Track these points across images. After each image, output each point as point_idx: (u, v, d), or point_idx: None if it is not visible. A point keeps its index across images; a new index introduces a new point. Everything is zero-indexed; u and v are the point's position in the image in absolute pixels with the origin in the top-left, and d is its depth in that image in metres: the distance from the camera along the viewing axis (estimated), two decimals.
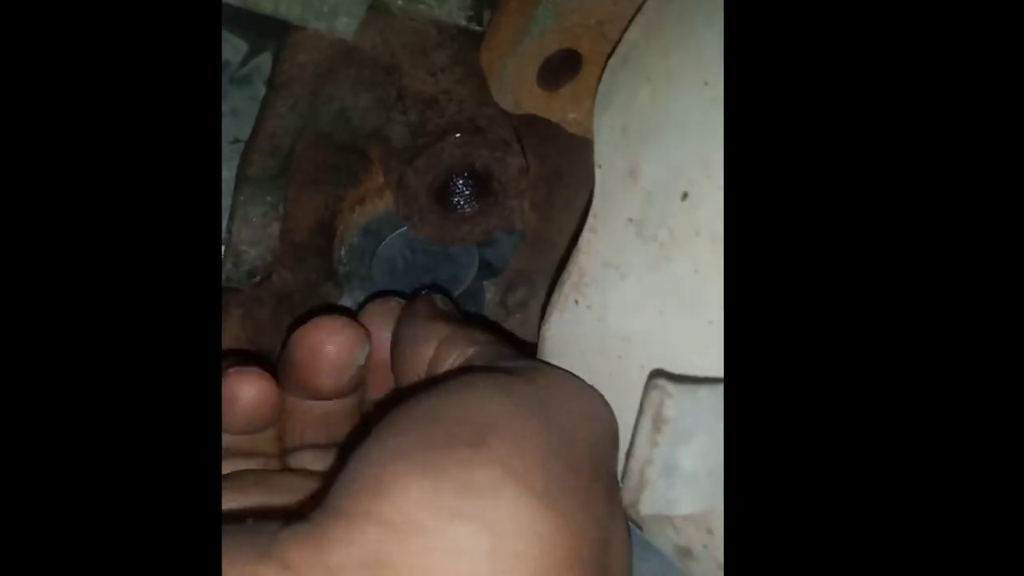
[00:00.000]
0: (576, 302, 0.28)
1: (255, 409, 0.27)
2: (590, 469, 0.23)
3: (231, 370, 0.28)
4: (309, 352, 0.28)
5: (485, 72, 0.31)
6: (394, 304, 0.30)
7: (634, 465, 0.24)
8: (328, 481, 0.22)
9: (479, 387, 0.23)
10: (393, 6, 0.30)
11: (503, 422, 0.22)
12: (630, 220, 0.27)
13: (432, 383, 0.24)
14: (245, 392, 0.27)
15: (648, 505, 0.23)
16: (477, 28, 0.31)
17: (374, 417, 0.24)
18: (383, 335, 0.30)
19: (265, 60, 0.31)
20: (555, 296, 0.29)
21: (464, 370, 0.27)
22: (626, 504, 0.24)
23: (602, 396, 0.26)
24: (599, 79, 0.29)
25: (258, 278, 0.33)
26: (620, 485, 0.24)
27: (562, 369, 0.27)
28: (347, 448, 0.23)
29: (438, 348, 0.28)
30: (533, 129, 0.34)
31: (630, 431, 0.27)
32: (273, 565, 0.19)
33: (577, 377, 0.26)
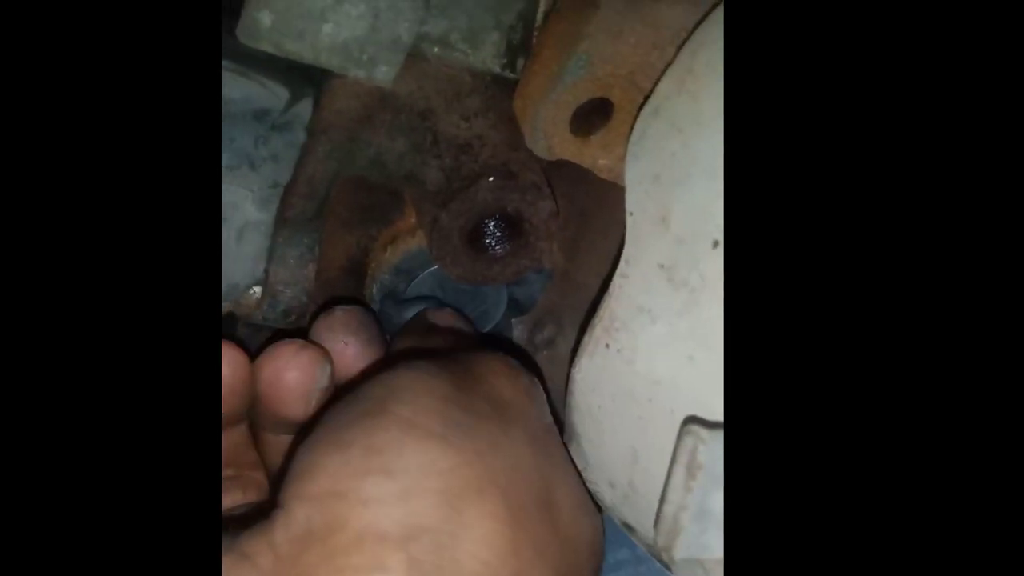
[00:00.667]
0: (607, 346, 0.29)
1: (227, 385, 0.27)
2: (498, 415, 0.26)
3: None
4: (270, 384, 0.27)
5: (519, 119, 0.31)
6: (340, 313, 0.30)
7: (668, 510, 0.24)
8: (275, 484, 0.25)
9: (386, 368, 0.26)
10: (429, 53, 0.31)
11: (404, 386, 0.25)
12: (661, 266, 0.27)
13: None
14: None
15: (682, 550, 0.23)
16: (511, 75, 0.32)
17: None
18: (339, 346, 0.29)
19: (306, 107, 0.32)
20: (585, 339, 0.30)
21: (386, 359, 0.29)
22: (659, 548, 0.24)
23: (517, 364, 0.29)
24: (630, 127, 0.30)
25: (293, 318, 0.34)
26: (559, 438, 0.29)
27: (489, 348, 0.30)
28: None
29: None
30: (562, 172, 0.34)
31: (659, 472, 0.28)
32: (232, 556, 0.22)
33: (498, 352, 0.29)
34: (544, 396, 0.30)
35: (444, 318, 0.34)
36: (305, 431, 0.26)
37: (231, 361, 0.26)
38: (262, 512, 0.24)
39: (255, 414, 0.29)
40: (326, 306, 0.35)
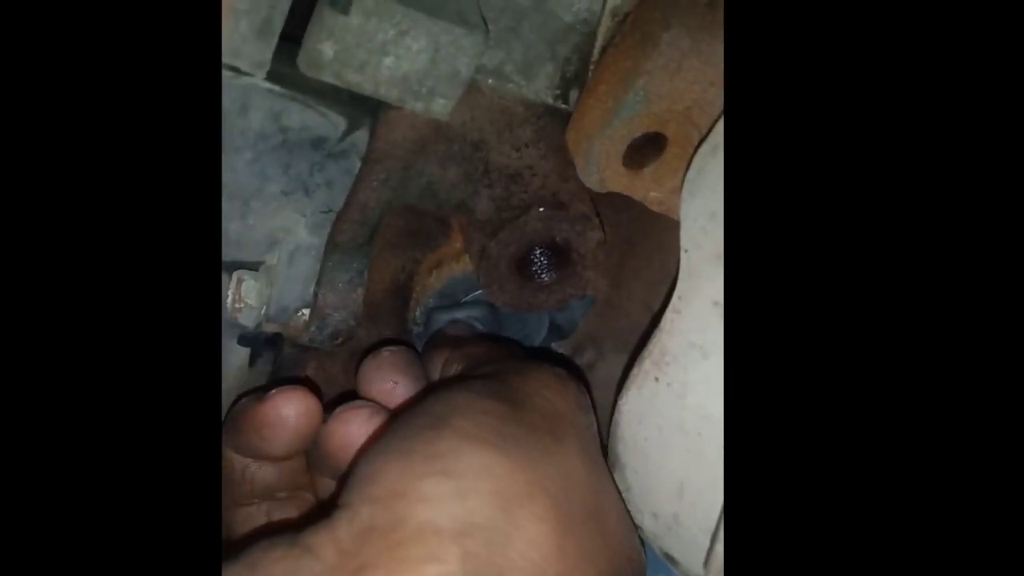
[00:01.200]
0: (656, 379, 0.29)
1: (300, 426, 0.28)
2: (550, 427, 0.27)
3: (275, 391, 0.29)
4: (339, 446, 0.29)
5: (572, 151, 0.31)
6: (387, 355, 0.31)
7: (719, 549, 0.24)
8: (338, 487, 0.27)
9: (445, 389, 0.28)
10: (483, 84, 0.31)
11: (463, 404, 0.27)
12: (715, 303, 0.27)
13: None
14: (290, 410, 0.28)
15: None
16: (563, 107, 0.32)
17: None
18: (387, 386, 0.31)
19: (362, 136, 0.32)
20: (634, 372, 0.30)
21: (442, 382, 0.31)
22: None
23: (565, 374, 0.30)
24: (683, 161, 0.30)
25: (340, 340, 0.34)
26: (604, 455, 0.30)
27: (537, 361, 0.31)
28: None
29: (443, 368, 0.32)
30: (607, 198, 0.34)
31: (705, 506, 0.28)
32: (296, 549, 0.24)
33: (546, 365, 0.30)
34: (591, 405, 0.31)
35: (462, 329, 0.35)
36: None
37: (307, 409, 0.28)
38: (321, 515, 0.25)
39: (311, 456, 0.31)
40: (374, 325, 0.36)
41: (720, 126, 0.28)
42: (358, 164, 0.31)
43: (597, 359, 0.39)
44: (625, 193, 0.32)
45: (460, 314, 0.36)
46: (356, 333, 0.34)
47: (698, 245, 0.28)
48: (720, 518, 0.25)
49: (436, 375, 0.32)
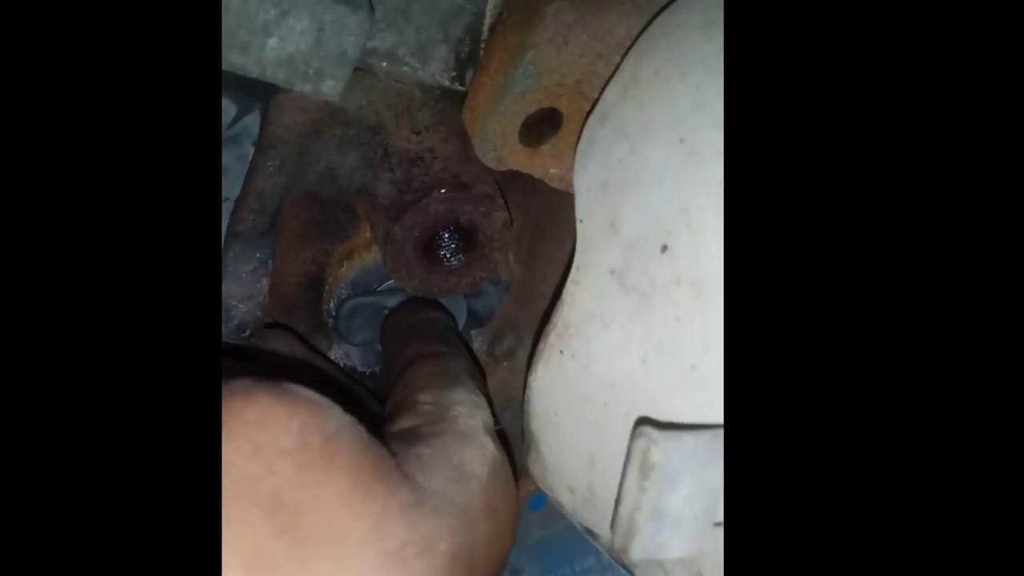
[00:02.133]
0: (561, 352, 0.29)
1: None
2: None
3: None
4: None
5: (468, 130, 0.32)
6: None
7: (623, 512, 0.24)
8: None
9: None
10: (377, 68, 0.31)
11: None
12: (612, 271, 0.27)
13: None
14: None
15: (639, 550, 0.23)
16: (460, 88, 0.32)
17: None
18: None
19: (253, 120, 0.32)
20: (540, 346, 0.30)
21: None
22: (617, 550, 0.24)
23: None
24: (579, 136, 0.30)
25: (247, 332, 0.33)
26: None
27: None
28: None
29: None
30: (515, 183, 0.35)
31: (616, 476, 0.28)
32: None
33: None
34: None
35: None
36: None
37: None
38: None
39: None
40: (289, 319, 0.35)
41: (606, 96, 0.28)
42: (251, 150, 0.31)
43: (517, 345, 0.40)
44: (525, 171, 0.32)
45: (371, 300, 0.35)
46: (263, 323, 0.34)
47: (592, 215, 0.28)
48: (620, 482, 0.25)
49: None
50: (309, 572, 0.21)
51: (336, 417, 0.23)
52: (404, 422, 0.28)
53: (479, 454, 0.27)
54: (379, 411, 0.31)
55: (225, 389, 0.22)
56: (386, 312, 0.35)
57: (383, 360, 0.36)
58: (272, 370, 0.24)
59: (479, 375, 0.32)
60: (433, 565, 0.23)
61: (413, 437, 0.26)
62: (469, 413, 0.28)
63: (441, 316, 0.36)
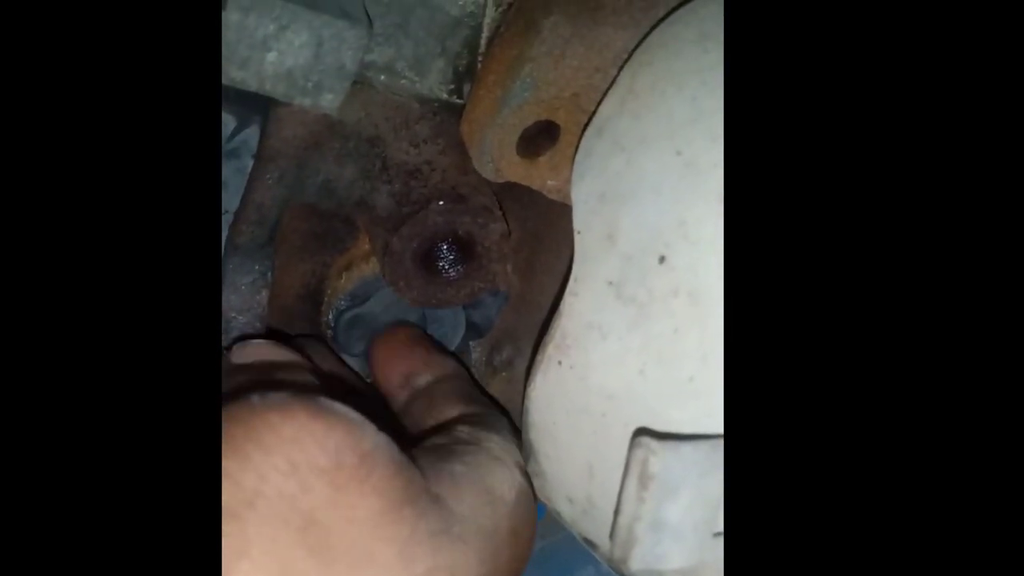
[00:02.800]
0: (559, 363, 0.29)
1: None
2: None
3: None
4: None
5: (466, 143, 0.32)
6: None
7: (622, 522, 0.24)
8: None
9: None
10: (376, 81, 0.31)
11: None
12: (610, 283, 0.27)
13: None
14: None
15: (638, 561, 0.23)
16: (458, 101, 0.33)
17: None
18: None
19: (252, 133, 0.32)
20: (539, 357, 0.30)
21: None
22: (616, 560, 0.24)
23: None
24: (576, 148, 0.30)
25: None
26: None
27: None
28: None
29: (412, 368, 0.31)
30: (513, 195, 0.35)
31: (615, 486, 0.28)
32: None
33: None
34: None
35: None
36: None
37: None
38: None
39: None
40: (288, 331, 0.36)
41: (603, 108, 0.28)
42: (251, 163, 0.31)
43: (515, 355, 0.40)
44: (522, 183, 0.32)
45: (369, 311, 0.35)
46: (263, 335, 0.34)
47: (590, 226, 0.28)
48: (619, 492, 0.25)
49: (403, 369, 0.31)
50: None
51: (371, 436, 0.23)
52: (436, 440, 0.28)
53: (509, 477, 0.27)
54: (396, 416, 0.31)
55: (262, 401, 0.22)
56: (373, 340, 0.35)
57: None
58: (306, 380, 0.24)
59: (516, 431, 0.32)
60: None
61: (446, 453, 0.27)
62: (501, 444, 0.29)
63: (459, 371, 0.35)
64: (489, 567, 0.24)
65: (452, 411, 0.31)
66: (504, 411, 0.33)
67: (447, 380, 0.32)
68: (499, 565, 0.25)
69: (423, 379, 0.32)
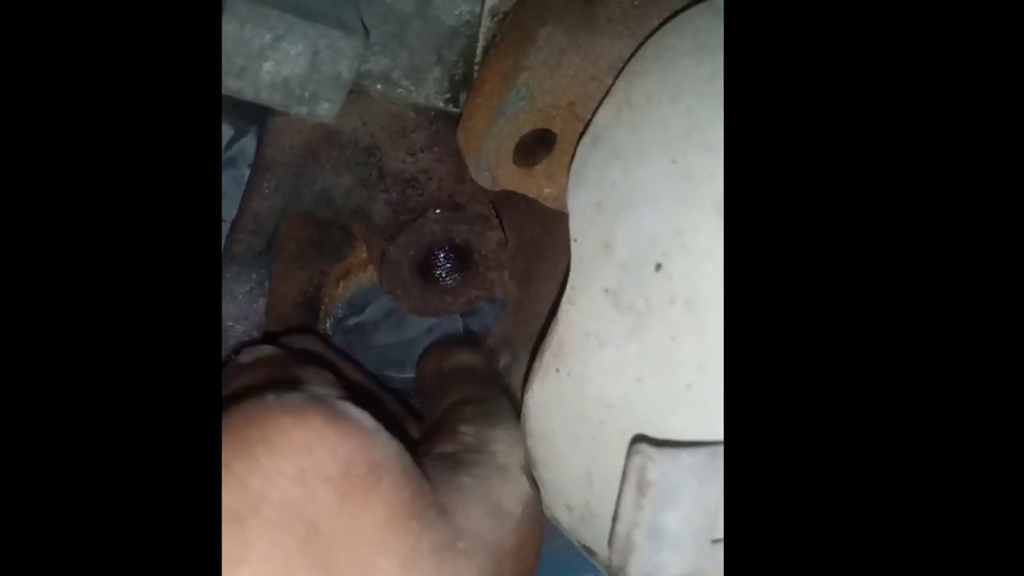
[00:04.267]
0: (557, 370, 0.29)
1: None
2: None
3: None
4: None
5: (463, 151, 0.32)
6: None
7: (621, 529, 0.24)
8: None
9: None
10: (372, 91, 0.32)
11: None
12: (606, 291, 0.28)
13: None
14: None
15: (637, 568, 0.23)
16: (454, 110, 0.33)
17: None
18: None
19: (249, 142, 0.32)
20: (536, 365, 0.30)
21: None
22: (615, 567, 0.24)
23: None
24: (572, 156, 0.31)
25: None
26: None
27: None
28: None
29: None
30: (510, 203, 0.35)
31: (613, 494, 0.28)
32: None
33: None
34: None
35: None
36: None
37: None
38: None
39: None
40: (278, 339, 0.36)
41: (599, 118, 0.29)
42: (247, 172, 0.31)
43: (513, 362, 0.40)
44: (519, 191, 0.32)
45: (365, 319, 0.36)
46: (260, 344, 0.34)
47: (586, 235, 0.29)
48: (617, 499, 0.26)
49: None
50: None
51: (383, 445, 0.23)
52: (444, 447, 0.28)
53: (516, 490, 0.27)
54: (406, 420, 0.31)
55: (276, 402, 0.22)
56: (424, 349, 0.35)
57: (417, 393, 0.36)
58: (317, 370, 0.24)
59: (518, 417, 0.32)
60: None
61: (454, 463, 0.26)
62: (507, 451, 0.29)
63: (481, 361, 0.36)
64: None
65: (458, 393, 0.31)
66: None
67: (463, 368, 0.33)
68: None
69: (446, 366, 0.32)
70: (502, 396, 0.33)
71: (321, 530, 0.21)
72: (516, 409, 0.34)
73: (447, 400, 0.31)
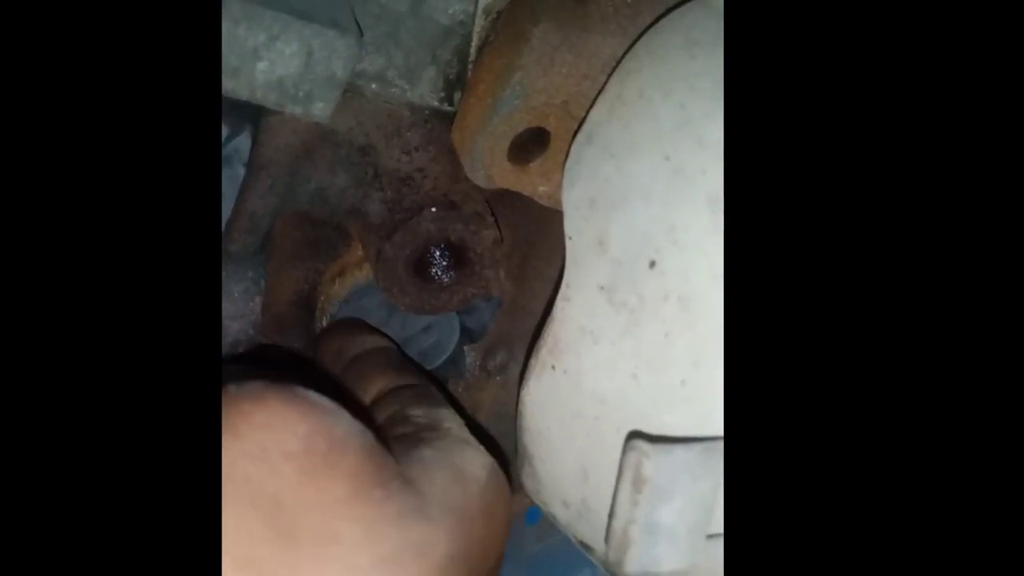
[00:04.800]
0: (552, 367, 0.29)
1: None
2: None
3: None
4: None
5: (457, 150, 0.32)
6: None
7: (617, 525, 0.25)
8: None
9: None
10: (367, 90, 0.32)
11: None
12: (601, 288, 0.28)
13: None
14: None
15: (633, 563, 0.24)
16: (449, 109, 0.33)
17: None
18: None
19: (244, 142, 0.32)
20: (532, 362, 0.30)
21: None
22: (612, 563, 0.24)
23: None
24: (566, 154, 0.31)
25: (240, 350, 0.34)
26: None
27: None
28: None
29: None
30: (505, 201, 0.35)
31: (609, 490, 0.28)
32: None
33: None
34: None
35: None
36: None
37: None
38: None
39: None
40: (281, 338, 0.36)
41: (592, 115, 0.29)
42: (242, 171, 0.32)
43: (509, 360, 0.40)
44: (514, 189, 0.32)
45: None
46: (256, 342, 0.34)
47: (581, 232, 0.29)
48: (614, 496, 0.26)
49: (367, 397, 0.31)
50: (299, 574, 0.21)
51: (344, 424, 0.23)
52: (398, 430, 0.28)
53: (478, 457, 0.27)
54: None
55: (237, 391, 0.22)
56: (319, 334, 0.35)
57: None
58: (285, 372, 0.25)
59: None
60: (429, 568, 0.23)
61: (415, 440, 0.27)
62: (460, 427, 0.29)
63: (390, 343, 0.35)
64: (460, 545, 0.24)
65: (383, 382, 0.31)
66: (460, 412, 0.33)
67: (376, 353, 0.32)
68: (471, 542, 0.25)
69: (352, 352, 0.32)
70: (428, 378, 0.33)
71: (285, 505, 0.21)
72: (509, 412, 0.34)
73: (375, 387, 0.31)
